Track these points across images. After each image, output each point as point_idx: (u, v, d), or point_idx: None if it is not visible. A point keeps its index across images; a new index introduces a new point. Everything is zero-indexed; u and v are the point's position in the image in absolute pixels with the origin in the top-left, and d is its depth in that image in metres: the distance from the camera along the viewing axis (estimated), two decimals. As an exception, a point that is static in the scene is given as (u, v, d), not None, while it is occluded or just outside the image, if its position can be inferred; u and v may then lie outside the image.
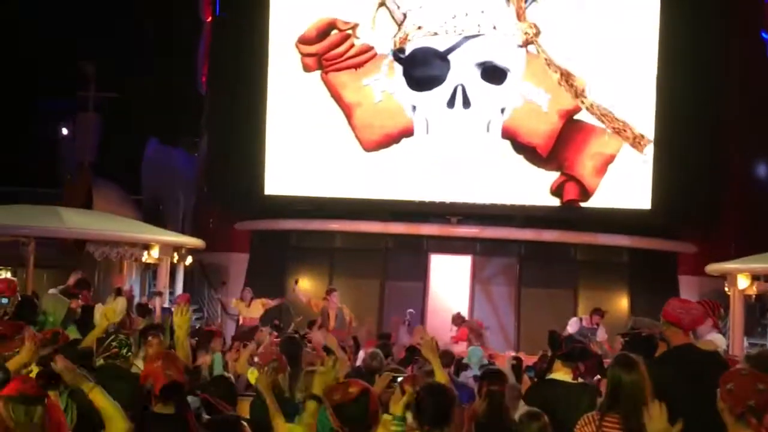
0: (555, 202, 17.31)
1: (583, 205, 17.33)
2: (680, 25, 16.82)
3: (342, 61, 17.91)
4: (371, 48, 17.78)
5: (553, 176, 17.32)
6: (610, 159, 17.19)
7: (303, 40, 18.15)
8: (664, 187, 17.00)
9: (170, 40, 18.56)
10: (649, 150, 17.10)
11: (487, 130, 16.62)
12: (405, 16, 17.53)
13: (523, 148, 17.34)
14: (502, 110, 16.13)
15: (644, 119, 17.12)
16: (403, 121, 17.50)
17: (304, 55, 18.09)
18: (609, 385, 5.14)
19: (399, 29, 16.97)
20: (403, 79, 17.01)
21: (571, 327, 15.31)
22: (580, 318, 15.43)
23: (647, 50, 17.11)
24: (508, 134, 17.22)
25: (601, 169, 17.23)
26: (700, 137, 16.88)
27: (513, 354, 12.30)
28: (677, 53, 16.82)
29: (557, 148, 17.30)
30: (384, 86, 17.62)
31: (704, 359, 5.63)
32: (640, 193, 17.18)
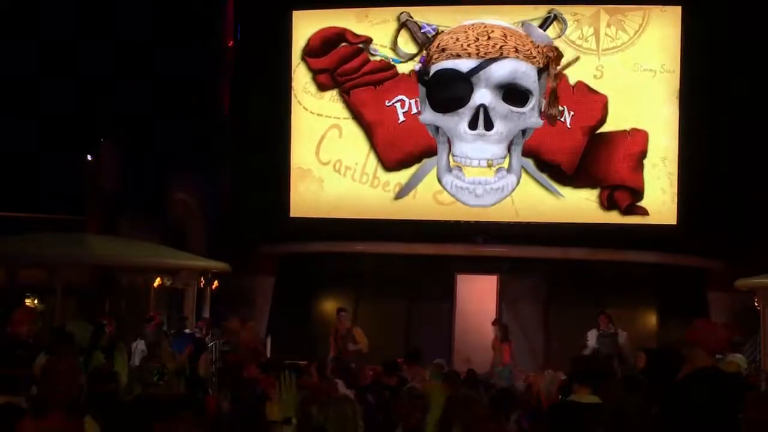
0: (594, 218, 17.29)
1: (608, 221, 17.24)
2: (702, 35, 16.76)
3: (358, 77, 17.98)
4: (392, 66, 17.87)
5: (587, 194, 17.29)
6: (642, 155, 17.18)
7: (310, 52, 18.26)
8: (689, 201, 16.90)
9: (192, 64, 18.64)
10: (674, 162, 17.08)
11: (509, 151, 16.48)
12: (426, 36, 17.64)
13: (546, 165, 17.31)
14: (524, 132, 15.97)
15: (669, 128, 17.11)
16: (424, 141, 17.54)
17: (315, 71, 18.20)
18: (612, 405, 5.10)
19: (423, 51, 17.07)
20: (426, 100, 17.00)
21: (591, 340, 15.26)
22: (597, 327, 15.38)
23: (670, 60, 17.13)
24: (530, 152, 17.23)
25: (638, 166, 17.21)
26: (723, 149, 16.69)
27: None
28: (702, 63, 16.76)
29: (584, 164, 17.26)
30: (407, 107, 17.69)
31: (728, 382, 5.58)
32: (666, 208, 17.09)
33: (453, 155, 16.29)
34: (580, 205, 17.32)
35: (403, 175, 17.87)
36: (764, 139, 16.99)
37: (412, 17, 17.80)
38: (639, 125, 17.21)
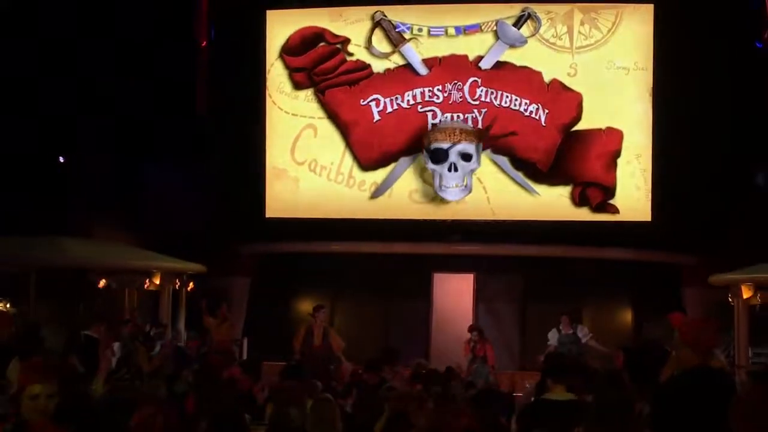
0: (562, 216, 17.38)
1: (583, 219, 17.32)
2: (674, 33, 16.86)
3: (334, 77, 17.99)
4: (367, 65, 17.89)
5: (561, 191, 17.37)
6: (616, 153, 17.35)
7: (288, 50, 18.26)
8: (663, 198, 17.00)
9: (167, 64, 18.55)
10: (647, 159, 17.18)
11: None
12: (401, 35, 17.69)
13: (522, 163, 17.39)
14: (471, 171, 17.27)
15: (642, 125, 17.24)
16: (399, 140, 17.59)
17: (292, 69, 18.22)
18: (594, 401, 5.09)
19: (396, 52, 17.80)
20: (428, 157, 17.21)
21: (552, 341, 15.26)
22: (558, 328, 15.37)
23: (642, 57, 17.24)
24: (506, 150, 17.33)
25: (611, 164, 17.38)
26: (696, 146, 16.80)
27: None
28: (674, 61, 16.86)
29: (559, 162, 17.35)
30: (381, 106, 17.74)
31: (723, 381, 5.57)
32: (641, 205, 17.19)
33: (441, 182, 17.18)
34: (555, 202, 17.40)
35: (379, 175, 17.88)
36: (737, 135, 17.11)
37: (386, 16, 17.84)
38: (613, 122, 17.31)
